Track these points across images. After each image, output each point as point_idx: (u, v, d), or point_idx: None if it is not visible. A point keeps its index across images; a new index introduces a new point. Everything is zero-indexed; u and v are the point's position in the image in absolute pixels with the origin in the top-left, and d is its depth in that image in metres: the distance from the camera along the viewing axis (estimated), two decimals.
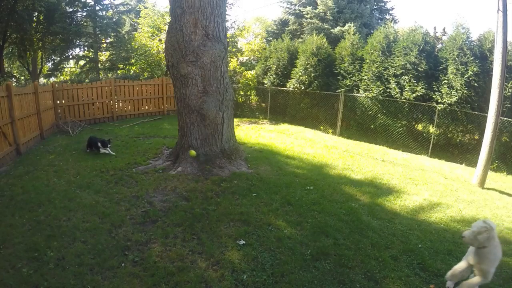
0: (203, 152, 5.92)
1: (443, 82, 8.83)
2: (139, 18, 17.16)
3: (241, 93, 13.86)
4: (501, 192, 6.42)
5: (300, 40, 17.20)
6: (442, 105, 8.70)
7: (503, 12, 6.20)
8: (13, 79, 20.31)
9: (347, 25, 15.07)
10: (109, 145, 6.75)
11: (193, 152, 5.15)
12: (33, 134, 7.62)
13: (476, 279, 2.75)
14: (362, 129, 10.59)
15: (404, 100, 9.30)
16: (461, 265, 2.89)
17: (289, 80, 12.16)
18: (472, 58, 8.42)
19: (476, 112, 8.36)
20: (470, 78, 8.32)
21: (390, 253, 3.51)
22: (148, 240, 3.56)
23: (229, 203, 4.49)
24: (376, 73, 9.91)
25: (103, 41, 17.78)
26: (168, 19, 13.27)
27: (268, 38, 19.35)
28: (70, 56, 17.97)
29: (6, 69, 19.96)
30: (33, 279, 2.85)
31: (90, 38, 16.97)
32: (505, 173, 8.05)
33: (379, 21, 18.89)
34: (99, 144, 6.67)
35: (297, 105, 12.24)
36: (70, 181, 5.19)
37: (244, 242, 3.56)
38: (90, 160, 6.29)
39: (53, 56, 18.07)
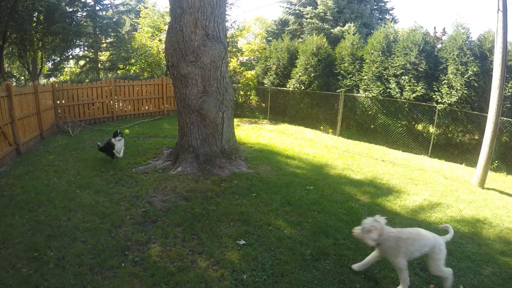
0: (203, 152, 5.92)
1: (443, 82, 8.82)
2: (139, 18, 17.19)
3: (241, 93, 13.86)
4: (501, 192, 6.42)
5: (300, 40, 17.21)
6: (442, 105, 8.70)
7: (503, 12, 6.20)
8: (13, 79, 20.31)
9: (347, 25, 15.06)
10: (118, 137, 6.19)
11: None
12: (33, 134, 7.62)
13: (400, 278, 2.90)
14: (362, 129, 10.59)
15: (404, 100, 9.29)
16: (372, 255, 3.06)
17: (289, 80, 12.15)
18: (472, 58, 8.41)
19: (476, 112, 8.35)
20: (470, 78, 8.32)
21: None
22: (148, 240, 3.56)
23: (229, 203, 4.49)
24: (376, 73, 9.90)
25: (103, 41, 17.79)
26: (168, 19, 13.27)
27: (268, 38, 19.34)
28: (70, 56, 17.99)
29: (6, 69, 19.97)
30: (33, 279, 2.85)
31: (90, 38, 16.99)
32: (505, 173, 8.05)
33: (379, 21, 18.88)
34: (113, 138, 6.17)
35: (297, 105, 12.24)
36: (70, 181, 5.19)
37: (244, 242, 3.56)
38: (90, 160, 6.30)
39: (53, 56, 18.09)
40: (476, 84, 8.32)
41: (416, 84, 9.09)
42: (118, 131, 6.32)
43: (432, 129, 9.16)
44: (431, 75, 9.20)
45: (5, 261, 3.09)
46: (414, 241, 2.85)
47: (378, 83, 9.80)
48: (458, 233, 4.21)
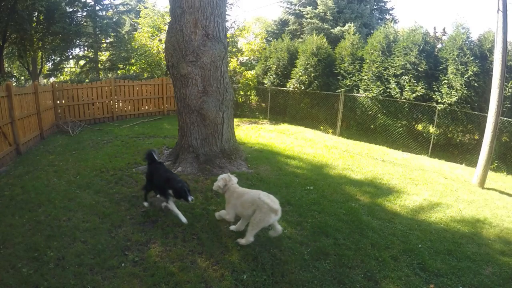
0: (203, 152, 5.92)
1: (443, 82, 8.82)
2: (139, 18, 17.17)
3: (241, 93, 13.85)
4: (501, 192, 6.42)
5: (300, 40, 17.20)
6: (442, 105, 8.70)
7: (503, 12, 6.20)
8: (13, 79, 20.28)
9: (347, 25, 15.07)
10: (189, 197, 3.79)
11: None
12: (33, 134, 7.62)
13: (222, 212, 3.76)
14: (362, 129, 10.59)
15: (404, 100, 9.29)
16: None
17: (289, 80, 12.15)
18: (472, 58, 8.41)
19: (476, 112, 8.35)
20: (470, 78, 8.32)
21: (390, 253, 3.51)
22: (148, 240, 3.56)
23: None
24: (376, 73, 9.90)
25: (103, 41, 17.79)
26: (168, 19, 13.26)
27: (268, 38, 19.33)
28: (70, 56, 17.99)
29: (6, 69, 19.95)
30: (33, 279, 2.85)
31: (90, 38, 16.99)
32: (505, 173, 8.05)
33: (379, 21, 18.88)
34: (187, 193, 3.76)
35: (297, 105, 12.24)
36: (70, 181, 5.19)
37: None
38: (90, 160, 6.29)
39: (53, 56, 18.06)
40: (476, 84, 8.32)
41: (416, 84, 9.09)
42: (187, 188, 3.81)
43: (432, 129, 9.16)
44: (431, 75, 9.20)
45: (5, 261, 3.09)
46: (239, 196, 3.51)
47: (378, 83, 9.80)
48: (458, 233, 4.21)
